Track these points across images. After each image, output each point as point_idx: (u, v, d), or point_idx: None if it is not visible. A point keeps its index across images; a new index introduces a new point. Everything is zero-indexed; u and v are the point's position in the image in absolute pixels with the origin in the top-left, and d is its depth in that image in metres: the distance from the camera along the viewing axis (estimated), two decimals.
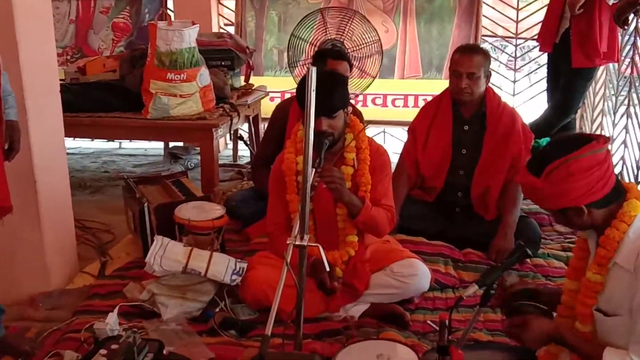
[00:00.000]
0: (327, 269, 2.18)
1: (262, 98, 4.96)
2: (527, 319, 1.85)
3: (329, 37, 4.76)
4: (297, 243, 2.08)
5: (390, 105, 5.38)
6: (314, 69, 2.03)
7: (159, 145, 5.73)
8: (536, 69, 6.11)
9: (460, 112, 3.46)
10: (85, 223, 3.87)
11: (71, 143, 5.70)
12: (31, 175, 2.90)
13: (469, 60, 3.30)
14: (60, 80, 4.17)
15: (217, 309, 2.75)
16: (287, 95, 5.00)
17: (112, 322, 2.46)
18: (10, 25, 2.73)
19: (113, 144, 6.02)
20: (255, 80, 5.07)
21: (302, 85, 2.57)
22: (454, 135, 3.45)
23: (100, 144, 6.00)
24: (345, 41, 4.77)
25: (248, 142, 5.03)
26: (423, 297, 2.93)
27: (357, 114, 3.86)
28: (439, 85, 4.80)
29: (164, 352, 2.26)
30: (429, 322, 2.38)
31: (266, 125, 3.97)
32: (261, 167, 3.71)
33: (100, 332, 2.43)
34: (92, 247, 3.62)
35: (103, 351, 2.12)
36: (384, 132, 5.60)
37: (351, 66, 3.80)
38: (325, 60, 3.57)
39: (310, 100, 2.03)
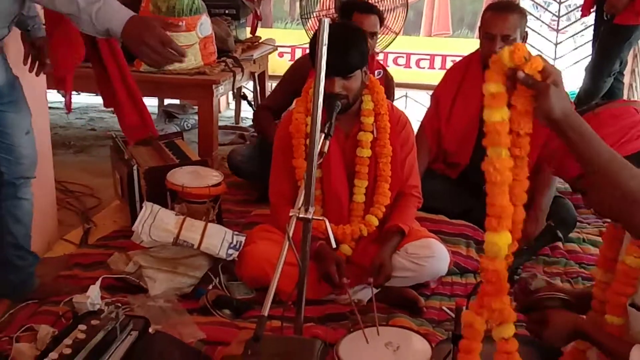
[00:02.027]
0: (334, 245, 2.18)
1: (270, 53, 4.94)
2: (547, 314, 1.85)
3: None
4: (300, 215, 2.09)
5: (415, 66, 5.36)
6: (326, 21, 2.01)
7: (153, 102, 5.73)
8: (582, 31, 6.05)
9: None
10: (67, 185, 3.90)
11: (55, 96, 5.72)
12: None
13: (503, 20, 3.26)
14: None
15: (211, 286, 2.78)
16: (299, 51, 4.99)
17: (93, 296, 2.50)
18: None
19: (101, 99, 6.01)
20: (262, 33, 5.05)
21: (315, 39, 2.56)
22: (482, 105, 3.42)
23: (87, 99, 6.00)
24: None
25: (252, 102, 5.03)
26: (440, 281, 2.95)
27: (389, 80, 3.85)
28: (471, 44, 4.74)
29: (150, 330, 2.29)
30: (444, 308, 2.40)
31: (283, 74, 3.95)
32: (265, 112, 3.73)
33: (80, 306, 2.47)
34: (75, 213, 3.66)
35: (82, 327, 2.14)
36: (406, 96, 5.58)
37: (382, 21, 3.77)
38: (351, 13, 3.55)
39: (320, 57, 2.02)
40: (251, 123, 5.21)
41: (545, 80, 1.54)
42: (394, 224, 2.76)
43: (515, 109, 1.58)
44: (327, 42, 2.01)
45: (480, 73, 3.43)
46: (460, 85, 3.50)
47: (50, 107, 3.33)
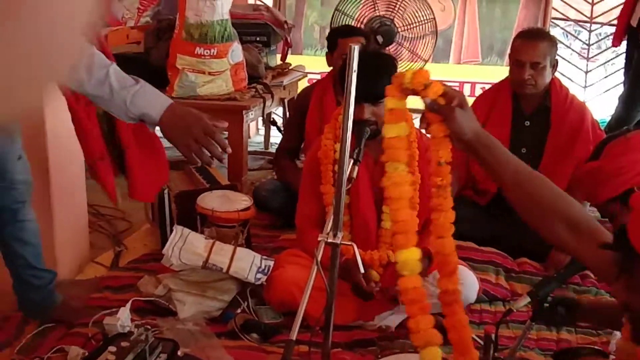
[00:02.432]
0: (362, 271, 2.19)
1: (300, 79, 4.99)
2: None
3: (378, 14, 4.77)
4: (329, 240, 2.10)
5: None
6: (356, 48, 2.03)
7: None
8: (613, 59, 6.03)
9: (520, 105, 3.43)
10: (99, 209, 3.95)
11: None
12: (44, 156, 2.98)
13: (533, 47, 3.27)
14: None
15: (239, 310, 2.79)
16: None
17: (123, 318, 2.53)
18: None
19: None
20: (292, 60, 5.11)
21: (345, 65, 2.59)
22: (512, 132, 3.43)
23: None
24: (395, 19, 4.77)
25: (282, 128, 5.07)
26: (469, 309, 2.92)
27: None
28: (500, 72, 4.77)
29: (179, 353, 2.31)
30: (474, 336, 2.38)
31: (289, 113, 4.04)
32: (284, 159, 3.78)
33: (110, 328, 2.50)
34: (106, 236, 3.70)
35: (112, 348, 2.16)
36: None
37: (368, 39, 3.81)
38: (335, 41, 3.60)
39: (350, 83, 2.04)
40: None
41: (450, 103, 1.52)
42: (423, 248, 2.75)
43: (434, 139, 1.56)
44: (356, 69, 2.03)
45: (510, 100, 3.44)
46: (489, 111, 3.50)
47: None
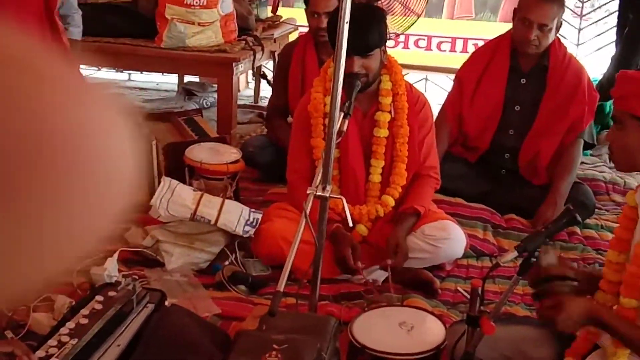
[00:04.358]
0: (350, 224, 2.19)
1: (291, 33, 4.93)
2: (560, 300, 1.85)
3: None
4: (318, 194, 2.10)
5: (435, 48, 5.33)
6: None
7: (172, 79, 5.75)
8: (605, 17, 5.98)
9: (518, 63, 3.39)
10: None
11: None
12: None
13: (542, 9, 3.19)
14: None
15: (227, 262, 2.80)
16: None
17: (110, 268, 2.54)
18: None
19: (122, 75, 6.05)
20: (284, 12, 5.05)
21: (334, 18, 2.56)
22: (507, 89, 3.40)
23: (106, 75, 6.03)
24: None
25: (272, 82, 5.02)
26: (456, 264, 2.95)
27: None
28: (493, 28, 4.72)
29: (166, 303, 2.32)
30: (460, 290, 2.40)
31: (274, 70, 3.99)
32: (274, 117, 3.74)
33: (97, 278, 2.51)
34: None
35: (99, 297, 2.17)
36: (426, 79, 5.56)
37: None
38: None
39: (341, 34, 2.02)
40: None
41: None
42: (410, 205, 2.76)
43: None
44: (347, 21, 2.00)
45: (508, 57, 3.40)
46: (486, 67, 3.46)
47: None
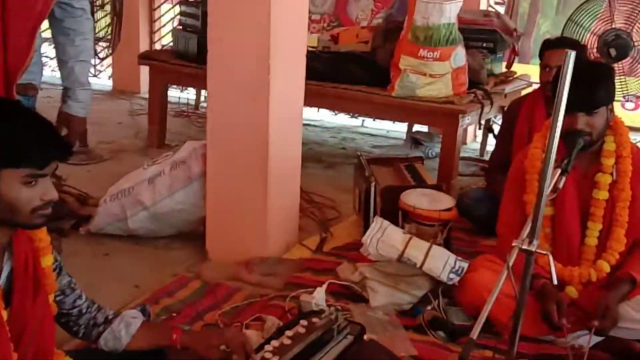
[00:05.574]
0: (555, 282, 2.13)
1: (523, 89, 4.89)
2: None
3: (614, 26, 4.54)
4: (524, 247, 2.08)
5: None
6: (572, 54, 1.99)
7: (402, 128, 5.93)
8: None
9: None
10: (312, 196, 4.17)
11: (314, 114, 6.13)
12: (265, 139, 3.19)
13: None
14: (313, 47, 4.51)
15: (429, 307, 2.83)
16: None
17: (318, 297, 2.68)
18: None
19: (356, 121, 6.35)
20: (518, 68, 5.02)
21: (558, 75, 2.54)
22: None
23: (342, 120, 6.36)
24: (633, 32, 4.52)
25: (497, 135, 5.00)
26: None
27: None
28: None
29: (365, 337, 2.40)
30: None
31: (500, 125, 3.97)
32: (495, 171, 3.72)
33: (305, 305, 2.66)
34: (315, 221, 3.89)
35: (304, 322, 2.31)
36: None
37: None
38: (542, 53, 3.52)
39: (562, 89, 2.00)
40: None
41: None
42: (627, 272, 2.62)
43: None
44: (571, 76, 1.98)
45: None
46: None
47: (307, 124, 3.58)
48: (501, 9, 5.61)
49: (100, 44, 6.21)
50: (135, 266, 3.31)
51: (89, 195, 3.87)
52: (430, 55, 4.06)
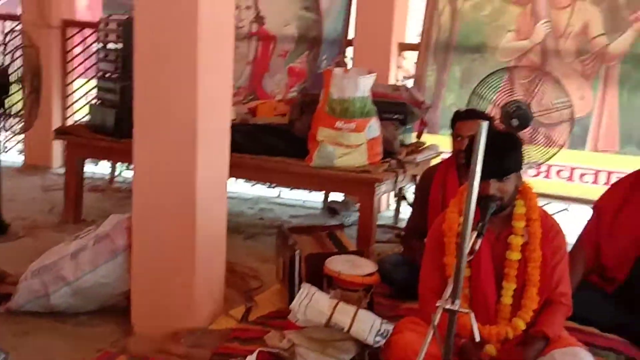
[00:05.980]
0: (477, 339, 2.26)
1: (433, 158, 5.12)
2: None
3: (514, 98, 4.84)
4: (447, 307, 2.20)
5: (578, 179, 5.33)
6: (485, 124, 2.16)
7: (318, 197, 6.06)
8: None
9: None
10: (235, 267, 4.20)
11: (232, 187, 6.17)
12: (192, 209, 3.25)
13: None
14: (232, 120, 4.61)
15: None
16: None
17: None
18: (193, 59, 3.12)
19: (272, 192, 6.44)
20: (428, 138, 5.26)
21: (473, 142, 2.71)
22: None
23: (259, 191, 6.44)
24: (532, 104, 4.82)
25: (412, 204, 5.19)
26: None
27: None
28: (639, 163, 4.69)
29: None
30: None
31: (414, 195, 4.15)
32: (412, 237, 3.89)
33: None
34: (239, 292, 3.92)
35: None
36: (567, 210, 5.51)
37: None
38: (454, 123, 3.76)
39: (476, 158, 2.16)
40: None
41: None
42: (540, 329, 2.77)
43: None
44: (484, 146, 2.14)
45: None
46: (626, 200, 3.47)
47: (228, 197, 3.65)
48: (410, 83, 5.88)
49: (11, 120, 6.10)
50: (57, 344, 3.25)
51: (7, 272, 3.79)
52: (346, 126, 4.23)
